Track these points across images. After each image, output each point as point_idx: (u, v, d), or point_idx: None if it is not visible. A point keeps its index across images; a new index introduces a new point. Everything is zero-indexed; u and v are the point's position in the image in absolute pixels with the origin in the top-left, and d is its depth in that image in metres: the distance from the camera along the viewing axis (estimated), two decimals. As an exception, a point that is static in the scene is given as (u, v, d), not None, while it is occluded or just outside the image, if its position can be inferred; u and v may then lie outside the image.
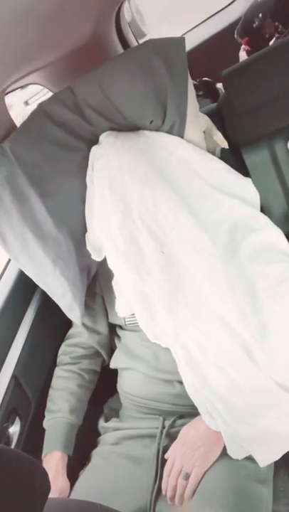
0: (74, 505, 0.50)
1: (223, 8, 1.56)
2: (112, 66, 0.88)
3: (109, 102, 0.87)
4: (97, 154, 0.90)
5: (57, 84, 1.10)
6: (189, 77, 0.89)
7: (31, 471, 0.38)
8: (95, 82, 0.87)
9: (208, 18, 1.58)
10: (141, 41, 1.03)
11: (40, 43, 0.82)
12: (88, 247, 0.92)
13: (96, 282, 1.02)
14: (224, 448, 0.77)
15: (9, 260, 1.03)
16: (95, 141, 0.92)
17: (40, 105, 0.90)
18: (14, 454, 0.38)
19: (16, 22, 0.63)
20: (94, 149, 0.92)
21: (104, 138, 0.91)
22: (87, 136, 0.91)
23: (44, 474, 0.39)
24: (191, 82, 0.89)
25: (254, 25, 1.19)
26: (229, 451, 0.76)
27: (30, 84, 1.10)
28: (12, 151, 0.85)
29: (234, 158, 0.98)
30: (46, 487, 0.38)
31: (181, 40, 0.87)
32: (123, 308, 0.91)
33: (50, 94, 1.03)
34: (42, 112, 0.89)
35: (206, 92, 1.26)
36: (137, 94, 0.86)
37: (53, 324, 1.05)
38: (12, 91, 0.99)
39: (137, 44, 1.28)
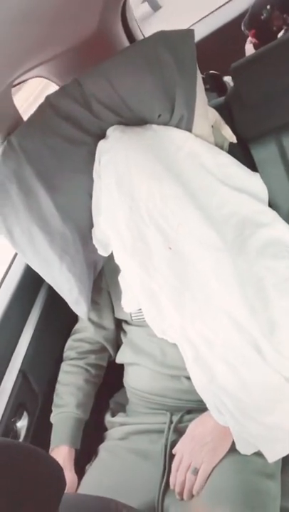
0: (89, 500, 0.50)
1: (230, 0, 1.54)
2: (120, 59, 0.87)
3: (117, 96, 0.86)
4: (104, 148, 0.90)
5: (63, 78, 1.09)
6: (198, 71, 0.88)
7: (48, 466, 0.38)
8: (103, 75, 0.86)
9: (214, 10, 1.56)
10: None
11: (45, 36, 0.81)
12: (95, 242, 0.92)
13: (102, 277, 1.01)
14: (232, 443, 0.77)
15: (15, 255, 1.03)
16: (102, 135, 0.91)
17: (48, 98, 0.89)
18: (29, 449, 0.38)
19: (22, 16, 0.62)
20: (101, 143, 0.91)
21: (112, 132, 0.90)
22: (95, 130, 0.91)
23: (60, 469, 0.39)
24: (199, 76, 0.88)
25: (262, 17, 1.17)
26: (237, 447, 0.76)
27: (36, 77, 1.09)
28: (19, 145, 0.85)
29: (242, 152, 0.97)
30: (62, 482, 0.39)
31: (190, 33, 0.86)
32: (130, 303, 0.91)
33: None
34: (49, 105, 0.88)
35: (212, 85, 1.25)
36: (145, 88, 0.85)
37: (59, 319, 1.05)
38: (18, 84, 0.99)
39: (143, 37, 1.26)
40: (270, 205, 0.94)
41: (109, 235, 0.89)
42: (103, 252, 0.92)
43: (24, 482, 0.34)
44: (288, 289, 0.82)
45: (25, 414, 0.89)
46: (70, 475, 0.87)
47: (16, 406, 0.87)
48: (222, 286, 0.82)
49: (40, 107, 0.89)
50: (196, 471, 0.76)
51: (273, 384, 0.77)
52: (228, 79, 1.32)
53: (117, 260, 0.88)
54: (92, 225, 0.93)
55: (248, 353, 0.78)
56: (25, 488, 0.34)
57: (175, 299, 0.83)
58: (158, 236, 0.84)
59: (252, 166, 0.96)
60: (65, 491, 0.39)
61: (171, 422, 0.85)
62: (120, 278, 0.92)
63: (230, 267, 0.83)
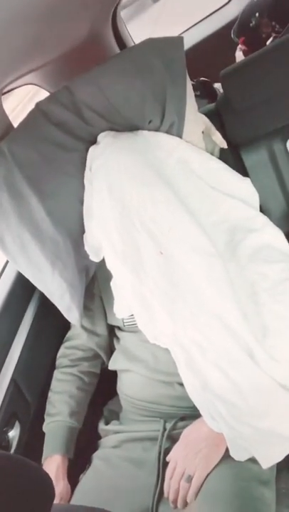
0: (80, 511, 0.49)
1: (219, 8, 1.56)
2: (110, 65, 0.87)
3: (108, 102, 0.86)
4: (95, 154, 0.90)
5: (53, 85, 1.09)
6: (188, 77, 0.88)
7: (36, 477, 0.37)
8: (93, 81, 0.86)
9: (204, 18, 1.58)
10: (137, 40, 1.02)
11: (36, 43, 0.81)
12: (86, 248, 0.92)
13: (94, 283, 1.01)
14: (226, 450, 0.77)
15: (7, 262, 1.02)
16: (93, 141, 0.91)
17: (38, 105, 0.89)
18: (18, 460, 0.37)
19: (12, 22, 0.62)
20: (92, 149, 0.91)
21: (103, 138, 0.90)
22: (85, 136, 0.91)
23: (49, 481, 0.38)
24: (189, 82, 0.89)
25: (251, 24, 1.19)
26: (232, 453, 0.76)
27: (27, 84, 1.09)
28: (10, 151, 0.84)
29: (233, 158, 0.98)
30: (51, 493, 0.38)
31: (179, 40, 0.87)
32: (122, 309, 0.91)
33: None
34: (39, 111, 0.88)
35: (203, 92, 1.26)
36: (135, 94, 0.85)
37: (51, 327, 1.04)
38: (8, 91, 0.99)
39: (133, 44, 1.27)
40: (261, 210, 0.94)
41: (101, 241, 0.88)
42: (95, 258, 0.91)
43: (12, 494, 0.33)
44: (280, 294, 0.82)
45: (17, 423, 0.88)
46: (63, 484, 0.86)
47: (8, 415, 0.86)
48: (214, 291, 0.82)
49: (31, 113, 0.89)
50: (189, 479, 0.75)
51: (266, 389, 0.76)
52: (218, 86, 1.34)
53: (109, 266, 0.88)
54: (83, 231, 0.93)
55: (241, 357, 0.78)
56: (14, 500, 0.33)
57: (167, 304, 0.83)
58: (149, 241, 0.84)
59: (243, 171, 0.97)
60: (59, 501, 0.39)
61: (164, 429, 0.85)
62: (112, 284, 0.92)
63: (222, 271, 0.83)
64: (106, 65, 0.88)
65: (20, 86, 1.05)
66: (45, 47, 0.90)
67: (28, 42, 0.78)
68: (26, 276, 0.92)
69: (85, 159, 0.91)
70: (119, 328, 0.98)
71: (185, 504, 0.75)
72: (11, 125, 0.93)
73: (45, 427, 0.93)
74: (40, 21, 0.72)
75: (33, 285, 0.94)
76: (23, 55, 0.82)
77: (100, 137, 0.90)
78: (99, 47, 1.14)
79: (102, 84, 0.85)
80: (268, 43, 1.16)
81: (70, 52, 1.00)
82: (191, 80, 0.92)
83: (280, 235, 0.89)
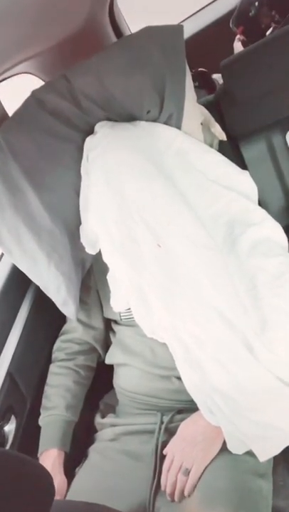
0: (80, 506, 0.49)
1: (218, -3, 1.54)
2: (108, 54, 0.86)
3: (105, 91, 0.84)
4: (92, 145, 0.88)
5: (49, 74, 1.07)
6: (187, 67, 0.87)
7: (36, 474, 0.36)
8: (91, 70, 0.84)
9: (203, 8, 1.56)
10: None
11: (32, 31, 0.80)
12: (82, 240, 0.90)
13: (91, 276, 1.00)
14: (224, 443, 0.77)
15: (2, 255, 1.01)
16: (90, 131, 0.90)
17: (33, 93, 0.87)
18: (18, 457, 0.36)
19: (7, 10, 0.60)
20: (88, 139, 0.89)
21: (100, 128, 0.88)
22: (83, 126, 0.89)
23: (48, 477, 0.38)
24: (189, 73, 0.87)
25: (250, 14, 1.17)
26: (229, 446, 0.76)
27: (22, 73, 1.07)
28: (5, 141, 0.83)
29: (232, 150, 0.97)
30: (51, 490, 0.37)
31: (179, 28, 0.85)
32: (119, 302, 0.90)
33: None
34: (35, 100, 0.86)
35: (202, 82, 1.25)
36: (134, 84, 0.84)
37: (47, 320, 1.03)
38: (3, 80, 0.96)
39: (130, 33, 1.25)
40: (259, 204, 0.93)
41: (98, 233, 0.87)
42: (91, 250, 0.90)
43: (12, 490, 0.33)
44: (279, 287, 0.82)
45: (12, 417, 0.87)
46: (59, 478, 0.86)
47: (4, 409, 0.85)
48: (212, 285, 0.81)
49: (26, 102, 0.87)
50: (187, 472, 0.75)
51: (265, 383, 0.76)
52: (217, 76, 1.32)
53: (105, 258, 0.87)
54: (80, 223, 0.91)
55: (240, 351, 0.77)
56: (14, 497, 0.33)
57: (164, 298, 0.82)
58: (147, 234, 0.83)
59: (241, 163, 0.96)
60: (55, 496, 0.38)
61: (161, 422, 0.85)
62: (109, 277, 0.91)
63: (221, 265, 0.82)
64: (104, 54, 0.86)
65: (15, 75, 1.03)
66: (41, 35, 0.88)
67: (24, 29, 0.76)
68: (22, 269, 0.91)
69: (82, 149, 0.89)
70: (115, 321, 0.98)
71: (182, 497, 0.75)
72: (6, 114, 0.91)
73: (41, 421, 0.92)
74: (35, 9, 0.70)
75: (28, 278, 0.92)
76: (18, 43, 0.81)
77: (97, 127, 0.89)
78: (96, 35, 1.12)
79: (100, 73, 0.84)
80: (267, 33, 1.15)
81: (66, 41, 0.98)
82: (190, 70, 0.90)
83: (279, 228, 0.89)
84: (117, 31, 1.23)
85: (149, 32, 0.85)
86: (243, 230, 0.87)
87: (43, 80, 1.11)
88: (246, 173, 0.94)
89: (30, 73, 1.11)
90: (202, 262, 0.82)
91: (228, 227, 0.87)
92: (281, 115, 0.92)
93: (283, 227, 0.89)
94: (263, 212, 0.90)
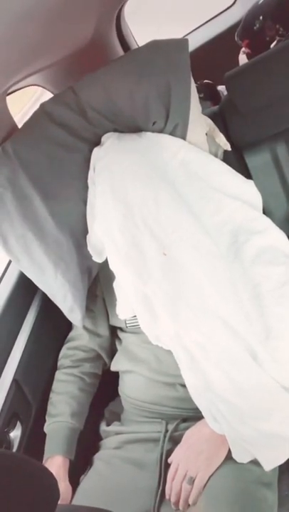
0: (84, 511, 0.49)
1: (224, 11, 1.57)
2: (115, 67, 0.88)
3: (112, 103, 0.86)
4: (99, 155, 0.90)
5: (58, 86, 1.10)
6: (192, 79, 0.88)
7: (41, 477, 0.37)
8: (98, 83, 0.86)
9: (208, 20, 1.59)
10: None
11: (40, 44, 0.82)
12: (89, 249, 0.92)
13: (97, 284, 1.01)
14: (228, 452, 0.76)
15: (9, 262, 1.02)
16: (97, 142, 0.92)
17: (42, 106, 0.89)
18: (24, 460, 0.37)
19: (17, 23, 0.62)
20: (96, 150, 0.91)
21: (107, 139, 0.90)
22: (90, 137, 0.91)
23: (53, 481, 0.38)
24: (193, 84, 0.89)
25: (255, 27, 1.18)
26: (234, 455, 0.75)
27: (31, 85, 1.10)
28: (14, 152, 0.85)
29: (236, 160, 0.98)
30: (56, 493, 0.38)
31: (184, 42, 0.87)
32: (124, 310, 0.91)
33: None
34: (44, 112, 0.88)
35: (206, 94, 1.26)
36: (140, 96, 0.86)
37: (53, 327, 1.04)
38: (12, 92, 0.99)
39: (137, 46, 1.28)
40: (264, 212, 0.94)
41: (104, 241, 0.88)
42: (97, 259, 0.91)
43: (17, 493, 0.33)
44: (283, 296, 0.82)
45: (18, 424, 0.88)
46: (64, 485, 0.86)
47: (9, 416, 0.86)
48: (217, 293, 0.82)
49: (35, 114, 0.89)
50: (191, 481, 0.75)
51: (269, 390, 0.76)
52: (222, 88, 1.34)
53: (112, 266, 0.88)
54: (86, 232, 0.93)
55: (244, 359, 0.78)
56: (19, 499, 0.33)
57: (169, 306, 0.83)
58: (152, 242, 0.84)
59: (246, 173, 0.97)
60: (59, 502, 0.38)
61: (166, 430, 0.85)
62: (115, 285, 0.92)
63: (225, 273, 0.83)
64: (110, 67, 0.88)
65: (24, 87, 1.05)
66: (50, 49, 0.90)
67: (33, 43, 0.78)
68: (29, 276, 0.92)
69: (89, 160, 0.91)
70: (121, 329, 0.98)
71: (187, 506, 0.75)
72: (15, 126, 0.93)
73: (46, 428, 0.93)
74: (44, 23, 0.72)
75: (35, 285, 0.94)
76: (27, 57, 0.83)
77: (104, 138, 0.91)
78: (103, 48, 1.15)
79: (107, 85, 0.86)
80: (271, 46, 1.16)
81: (74, 54, 1.01)
82: (195, 82, 0.92)
83: (283, 236, 0.89)
84: (124, 45, 1.25)
85: (154, 45, 0.87)
86: (248, 238, 0.88)
87: (51, 92, 1.14)
88: (250, 182, 0.95)
89: (39, 85, 1.14)
90: (206, 270, 0.83)
91: (232, 235, 0.88)
92: (285, 126, 0.93)
93: (287, 236, 0.90)
94: (267, 220, 0.91)
